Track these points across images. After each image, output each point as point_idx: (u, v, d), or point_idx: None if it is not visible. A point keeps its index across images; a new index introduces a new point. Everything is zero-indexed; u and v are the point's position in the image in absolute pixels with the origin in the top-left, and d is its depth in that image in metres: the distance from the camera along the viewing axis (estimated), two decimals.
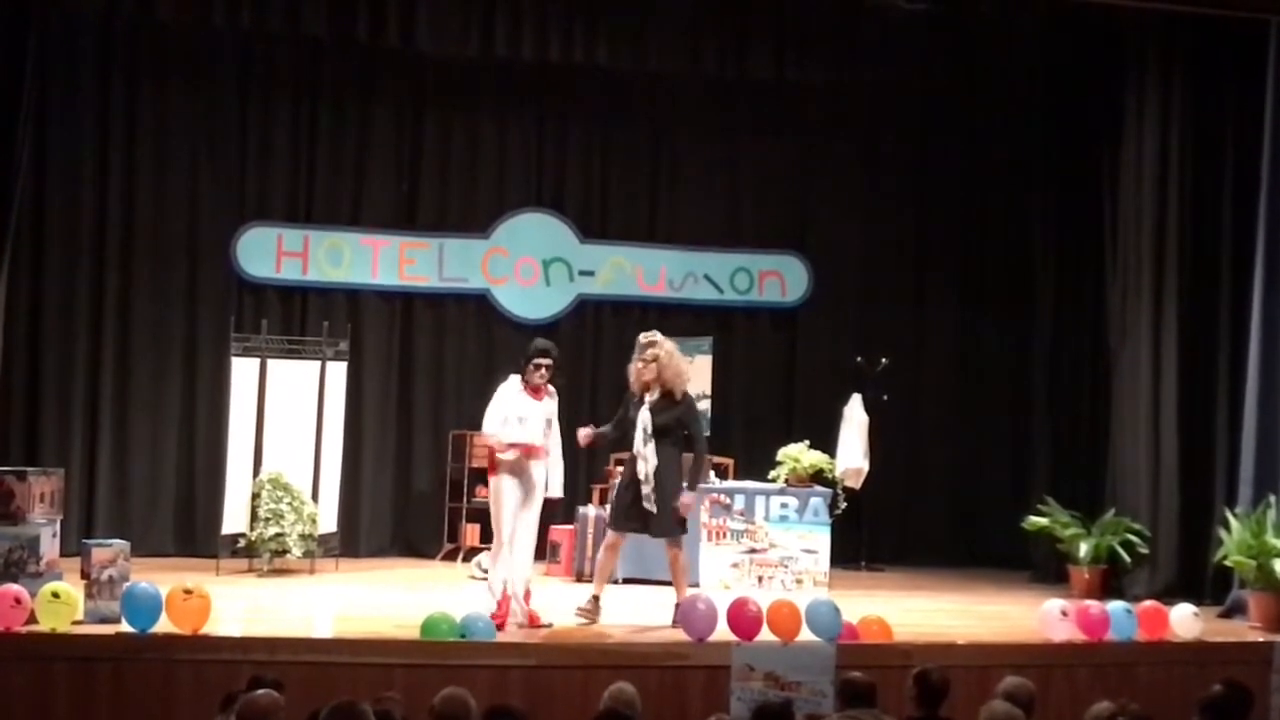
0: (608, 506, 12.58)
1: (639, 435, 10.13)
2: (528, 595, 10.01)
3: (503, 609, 9.80)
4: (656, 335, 10.37)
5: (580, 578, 12.63)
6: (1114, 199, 13.19)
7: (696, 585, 11.63)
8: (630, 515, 10.20)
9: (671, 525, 10.21)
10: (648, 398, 10.18)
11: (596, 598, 10.20)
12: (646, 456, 10.09)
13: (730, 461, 13.58)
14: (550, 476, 10.21)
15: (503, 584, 9.89)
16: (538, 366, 10.08)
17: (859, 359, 14.15)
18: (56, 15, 12.79)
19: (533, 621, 9.87)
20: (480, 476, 13.51)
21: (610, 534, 10.42)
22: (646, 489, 10.07)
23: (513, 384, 10.10)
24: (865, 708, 6.81)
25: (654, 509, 10.08)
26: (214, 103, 13.73)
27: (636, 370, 10.29)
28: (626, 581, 12.12)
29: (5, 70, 11.86)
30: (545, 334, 14.21)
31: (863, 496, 13.63)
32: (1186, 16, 12.49)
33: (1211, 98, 12.72)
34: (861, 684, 7.08)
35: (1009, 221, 14.90)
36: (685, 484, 10.27)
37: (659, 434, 10.11)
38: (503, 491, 9.95)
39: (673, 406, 10.20)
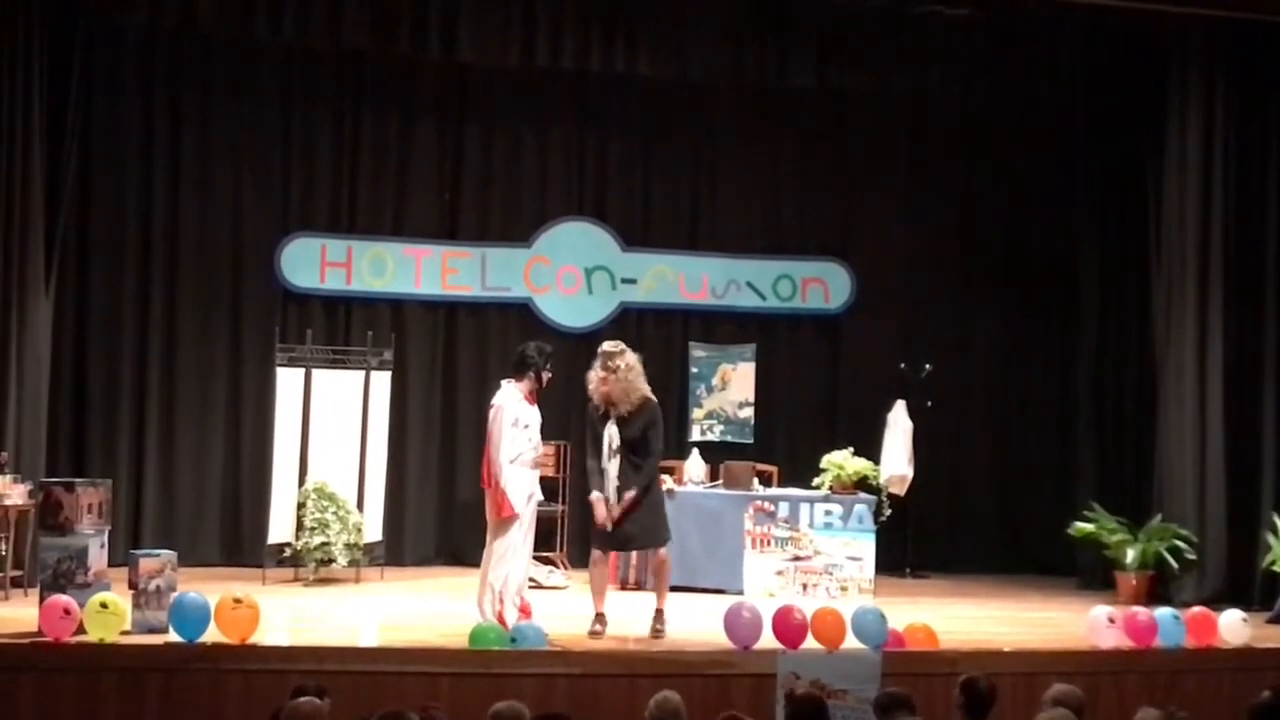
0: None
1: (605, 450, 9.96)
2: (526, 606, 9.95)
3: (526, 612, 9.80)
4: (619, 346, 10.13)
5: (625, 586, 12.63)
6: (1158, 203, 13.12)
7: (728, 592, 11.64)
8: (607, 534, 10.08)
9: (655, 534, 10.16)
10: (613, 412, 10.00)
11: (600, 615, 10.11)
12: (609, 473, 9.95)
13: (774, 469, 13.57)
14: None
15: (506, 589, 9.81)
16: (550, 373, 10.04)
17: (903, 365, 14.11)
18: (100, 29, 12.90)
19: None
20: None
21: (594, 552, 10.30)
22: (610, 504, 9.96)
23: (511, 392, 9.93)
24: (907, 715, 6.77)
25: (627, 524, 9.96)
26: (257, 114, 13.82)
27: (598, 379, 10.05)
28: (672, 590, 12.09)
29: (50, 84, 11.96)
30: (588, 343, 14.26)
31: (908, 503, 13.60)
32: (1229, 21, 12.44)
33: (1255, 101, 12.69)
34: (898, 696, 7.04)
35: (1053, 226, 14.83)
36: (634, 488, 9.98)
37: (628, 448, 9.95)
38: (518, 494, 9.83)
39: (636, 417, 10.00)
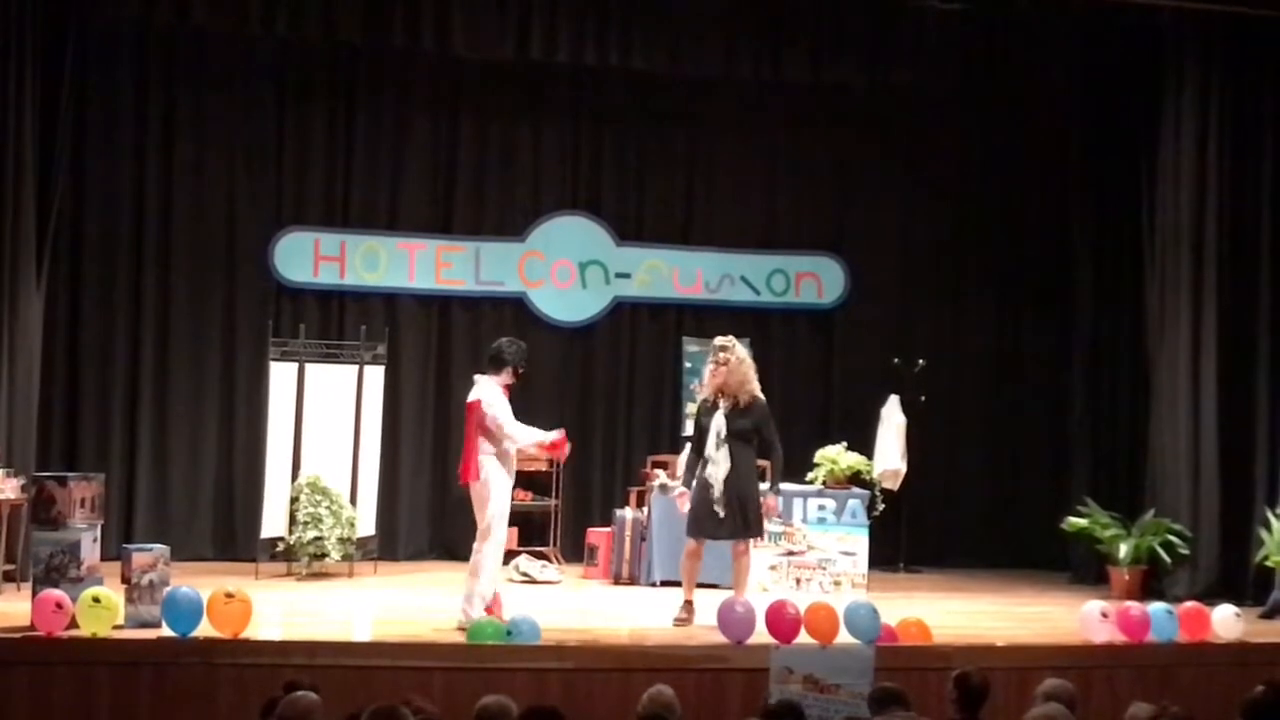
0: (645, 509, 12.65)
1: (711, 440, 10.17)
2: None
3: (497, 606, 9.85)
4: (730, 340, 10.43)
5: (618, 580, 12.65)
6: (1152, 198, 13.12)
7: (722, 586, 11.67)
8: (708, 522, 10.22)
9: (751, 527, 10.30)
10: (722, 404, 10.22)
11: (689, 602, 10.27)
12: (718, 461, 10.14)
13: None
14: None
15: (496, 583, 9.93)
16: (524, 367, 10.12)
17: (896, 360, 14.10)
18: (94, 23, 12.86)
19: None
20: (518, 480, 13.43)
21: (690, 542, 10.39)
22: (715, 493, 10.12)
23: (491, 386, 9.93)
24: (901, 710, 6.77)
25: (722, 512, 10.12)
26: (251, 109, 13.80)
27: (709, 373, 10.43)
28: (664, 584, 12.13)
29: (43, 78, 11.93)
30: (582, 337, 14.31)
31: (901, 498, 13.61)
32: (1223, 15, 12.45)
33: (1249, 96, 12.69)
34: (892, 691, 7.03)
35: (1046, 221, 14.83)
36: (768, 487, 10.41)
37: (736, 438, 10.17)
38: (502, 496, 9.88)
39: (748, 412, 10.25)
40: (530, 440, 9.97)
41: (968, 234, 15.15)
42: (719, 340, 10.48)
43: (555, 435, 10.00)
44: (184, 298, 13.63)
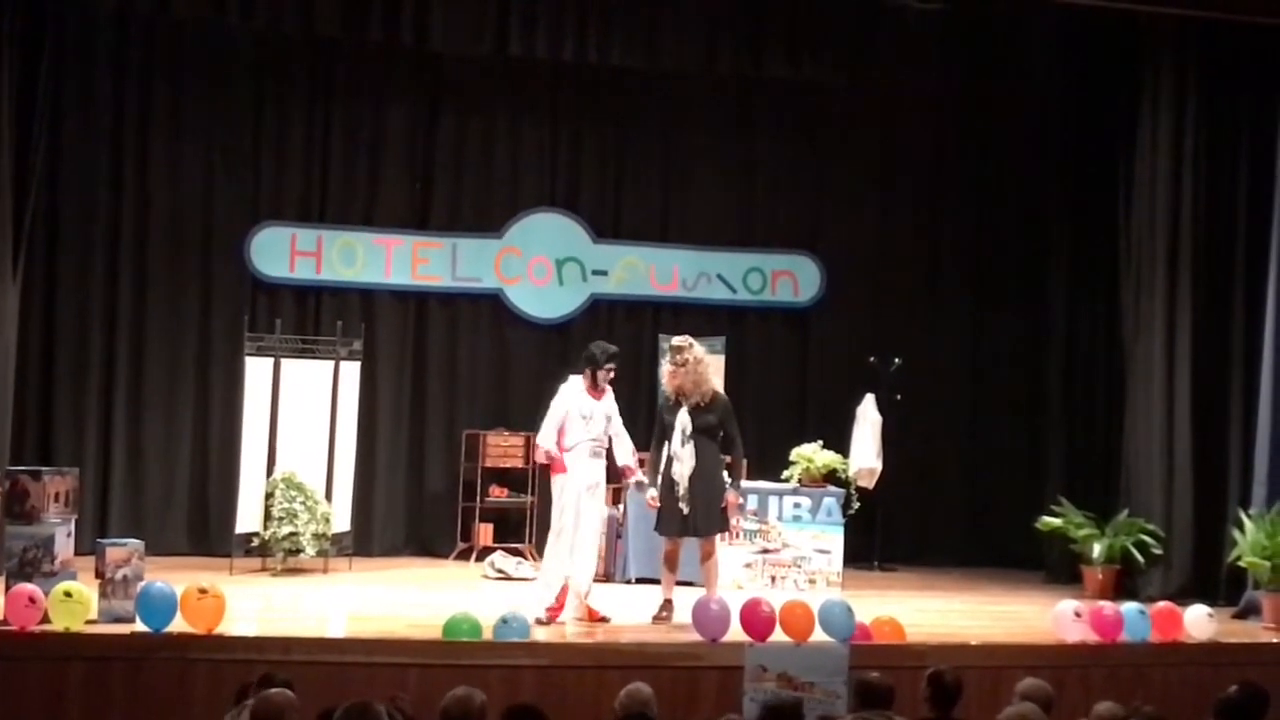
0: (620, 507, 12.66)
1: (676, 437, 10.25)
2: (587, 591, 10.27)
3: (560, 602, 10.03)
4: (687, 340, 10.50)
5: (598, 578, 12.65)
6: (1128, 199, 13.16)
7: (697, 584, 11.67)
8: (674, 519, 10.29)
9: (713, 523, 10.33)
10: (685, 402, 10.27)
11: (668, 601, 10.35)
12: (683, 458, 10.20)
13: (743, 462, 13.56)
14: (621, 453, 10.49)
15: (563, 578, 10.09)
16: (610, 370, 10.41)
17: (872, 359, 14.11)
18: (71, 15, 12.83)
19: (591, 616, 10.13)
20: (494, 476, 13.58)
21: (668, 540, 10.47)
22: (680, 489, 10.16)
23: (575, 385, 10.33)
24: (880, 710, 6.78)
25: (688, 509, 10.18)
26: (228, 103, 13.75)
27: (668, 373, 10.52)
28: (639, 581, 12.13)
29: (20, 70, 11.88)
30: (558, 334, 14.30)
31: (876, 496, 13.60)
32: (1200, 20, 12.49)
33: (1225, 98, 12.73)
34: (879, 686, 7.05)
35: (1023, 221, 14.86)
36: (729, 483, 10.40)
37: (701, 434, 10.24)
38: (566, 490, 10.18)
39: (711, 408, 10.32)
40: (542, 441, 10.31)
41: (944, 234, 15.18)
42: (676, 340, 10.57)
43: (555, 453, 10.24)
44: (160, 292, 13.57)
